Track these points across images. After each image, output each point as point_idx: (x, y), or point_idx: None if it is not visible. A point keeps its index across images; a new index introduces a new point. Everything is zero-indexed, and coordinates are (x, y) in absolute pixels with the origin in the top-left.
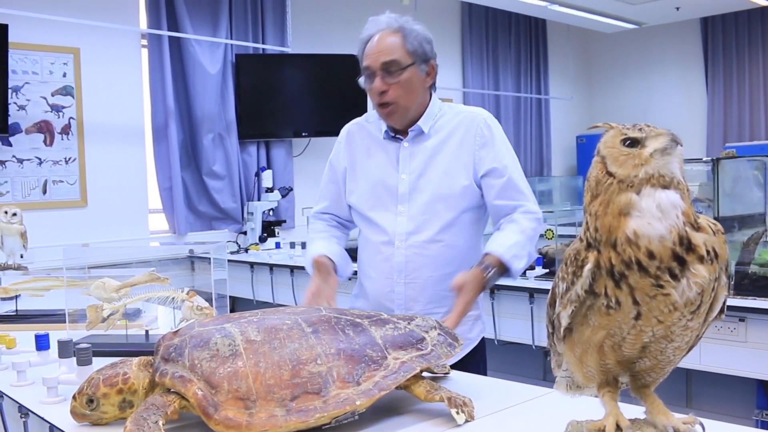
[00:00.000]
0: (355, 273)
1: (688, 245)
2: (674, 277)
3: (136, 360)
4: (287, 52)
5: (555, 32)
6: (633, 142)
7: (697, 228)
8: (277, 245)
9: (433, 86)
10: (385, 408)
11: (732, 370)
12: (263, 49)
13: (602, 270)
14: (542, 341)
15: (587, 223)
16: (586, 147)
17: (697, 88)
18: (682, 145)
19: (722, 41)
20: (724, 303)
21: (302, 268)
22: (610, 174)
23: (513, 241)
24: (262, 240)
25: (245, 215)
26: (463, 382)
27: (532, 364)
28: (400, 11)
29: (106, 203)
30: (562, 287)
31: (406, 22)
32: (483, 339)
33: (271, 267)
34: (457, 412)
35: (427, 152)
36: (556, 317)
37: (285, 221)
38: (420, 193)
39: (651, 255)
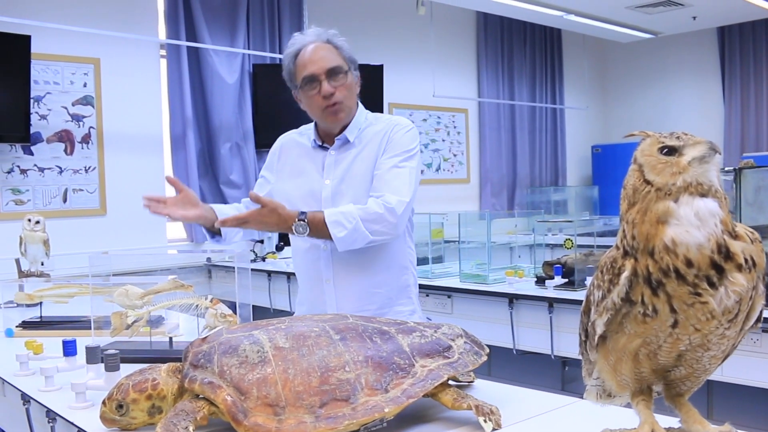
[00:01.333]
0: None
1: (727, 253)
2: (712, 285)
3: (164, 366)
4: None
5: (570, 42)
6: (670, 150)
7: (735, 236)
8: None
9: (358, 96)
10: (413, 416)
11: (754, 382)
12: (280, 59)
13: (639, 278)
14: (561, 351)
15: (624, 231)
16: (601, 157)
17: (714, 97)
18: (720, 154)
19: (739, 50)
20: (761, 312)
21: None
22: (647, 182)
23: (348, 210)
24: (279, 249)
25: None
26: (487, 390)
27: (550, 374)
28: (415, 21)
29: (125, 212)
30: (597, 295)
31: (333, 35)
32: None
33: (289, 276)
34: (485, 420)
35: (349, 159)
36: (591, 325)
37: None
38: (342, 198)
39: (689, 263)
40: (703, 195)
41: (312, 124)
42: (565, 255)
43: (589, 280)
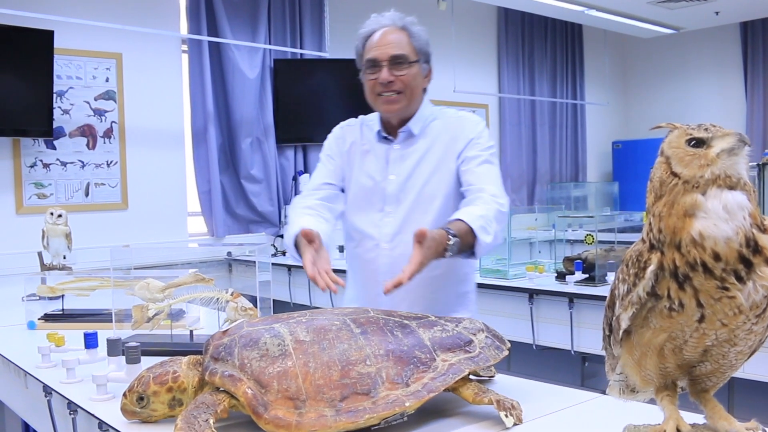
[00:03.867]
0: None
1: (755, 247)
2: (740, 279)
3: (185, 359)
4: (325, 57)
5: (591, 37)
6: (698, 143)
7: (764, 230)
8: None
9: (425, 90)
10: (433, 410)
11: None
12: (301, 54)
13: (666, 271)
14: (581, 347)
15: (650, 224)
16: (621, 153)
17: (736, 93)
18: (750, 146)
19: (762, 46)
20: None
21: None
22: (675, 174)
23: (482, 212)
24: None
25: (282, 218)
26: (507, 385)
27: (570, 370)
28: (436, 17)
29: (147, 206)
30: (622, 289)
31: (410, 22)
32: None
33: None
34: (506, 415)
35: (416, 155)
36: (615, 319)
37: None
38: (407, 195)
39: (717, 257)
40: (731, 188)
41: (375, 114)
42: (586, 250)
43: (609, 276)
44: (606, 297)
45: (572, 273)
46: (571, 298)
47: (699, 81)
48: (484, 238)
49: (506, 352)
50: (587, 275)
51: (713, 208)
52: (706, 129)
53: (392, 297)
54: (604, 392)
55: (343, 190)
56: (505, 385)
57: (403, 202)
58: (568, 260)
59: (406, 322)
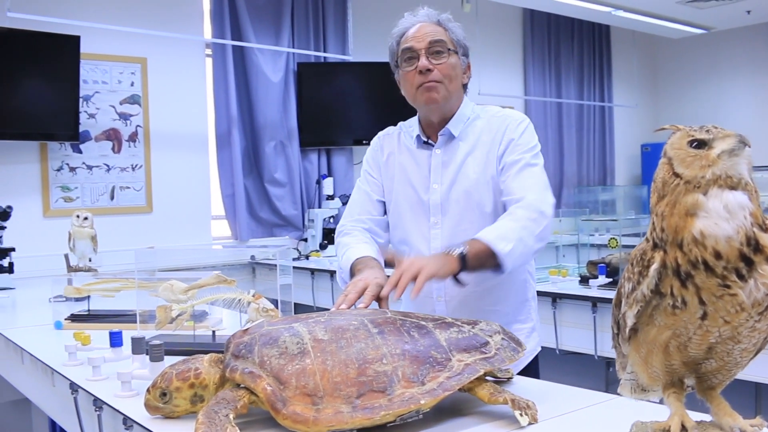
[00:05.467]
0: None
1: (756, 246)
2: (741, 277)
3: (207, 356)
4: (348, 61)
5: (619, 38)
6: (700, 144)
7: (765, 229)
8: None
9: (465, 87)
10: (449, 409)
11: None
12: (324, 58)
13: (668, 270)
14: (605, 351)
15: (653, 223)
16: (650, 156)
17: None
18: (750, 147)
19: None
20: None
21: None
22: (676, 175)
23: (501, 226)
24: (323, 247)
25: (306, 222)
26: (524, 386)
27: (594, 375)
28: (461, 18)
29: (171, 209)
30: (627, 287)
31: (446, 18)
32: (537, 356)
33: (332, 273)
34: (521, 414)
35: (458, 160)
36: (622, 317)
37: None
38: (452, 204)
39: (718, 255)
40: (732, 188)
41: (414, 119)
42: (610, 254)
43: None
44: None
45: (596, 277)
46: (594, 302)
47: (731, 82)
48: (503, 247)
49: (522, 354)
50: (611, 279)
51: (714, 207)
52: (707, 130)
53: (451, 311)
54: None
55: (385, 206)
56: (521, 386)
57: (449, 212)
58: (591, 264)
59: (422, 323)
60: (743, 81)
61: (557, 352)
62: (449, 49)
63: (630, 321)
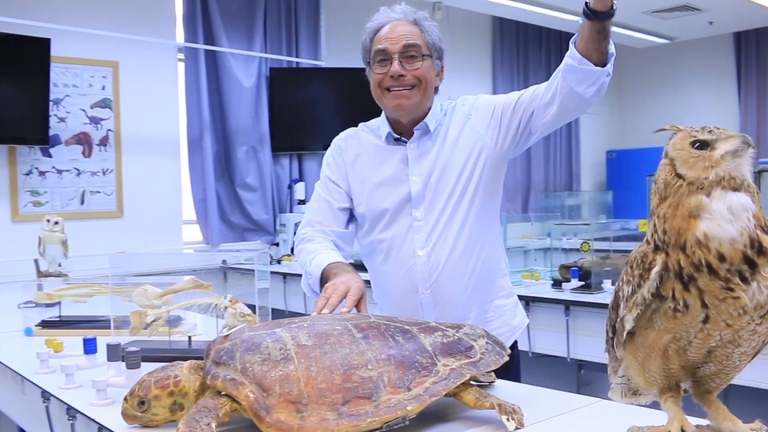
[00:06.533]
0: None
1: (759, 248)
2: (744, 280)
3: (186, 363)
4: (321, 66)
5: None
6: (702, 144)
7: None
8: None
9: (437, 90)
10: (435, 414)
11: (755, 383)
12: (297, 63)
13: (670, 272)
14: (578, 354)
15: (655, 225)
16: (615, 162)
17: (730, 103)
18: (754, 148)
19: (756, 56)
20: None
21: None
22: (679, 176)
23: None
24: (294, 252)
25: (277, 227)
26: (506, 390)
27: (566, 377)
28: None
29: (142, 214)
30: (627, 290)
31: (423, 17)
32: (516, 343)
33: None
34: (508, 419)
35: (435, 150)
36: (620, 321)
37: None
38: (434, 193)
39: (721, 257)
40: (735, 189)
41: (380, 118)
42: (582, 258)
43: (605, 284)
44: (603, 304)
45: (568, 280)
46: (568, 305)
47: (693, 90)
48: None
49: (507, 358)
50: (583, 282)
51: (718, 209)
52: (710, 131)
53: (436, 301)
54: (602, 398)
55: (351, 211)
56: (506, 390)
57: (431, 201)
58: (564, 268)
59: (407, 327)
60: (705, 89)
61: (530, 354)
62: (423, 54)
63: (629, 325)
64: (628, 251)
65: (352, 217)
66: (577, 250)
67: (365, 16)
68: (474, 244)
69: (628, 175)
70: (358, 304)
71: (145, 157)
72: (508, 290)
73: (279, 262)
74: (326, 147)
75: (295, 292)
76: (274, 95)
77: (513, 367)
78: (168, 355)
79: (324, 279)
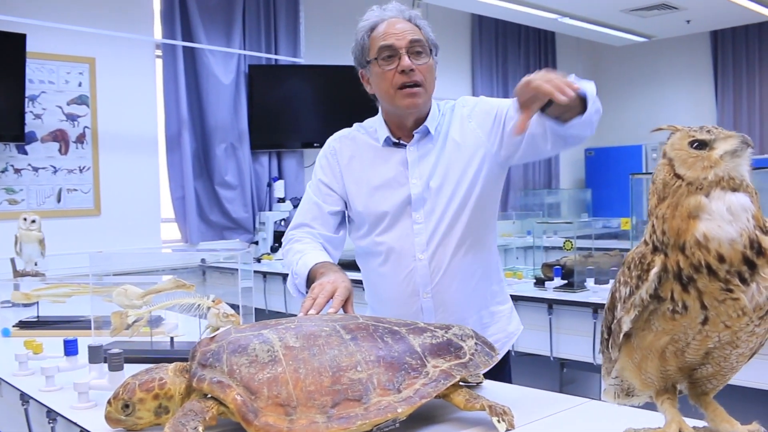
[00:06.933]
0: None
1: (759, 249)
2: (744, 281)
3: (171, 366)
4: (300, 63)
5: (564, 45)
6: (701, 144)
7: (767, 232)
8: None
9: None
10: (425, 416)
11: (750, 383)
12: (276, 60)
13: (669, 274)
14: (561, 353)
15: (653, 226)
16: (594, 160)
17: (707, 101)
18: (753, 147)
19: (732, 54)
20: None
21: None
22: (678, 176)
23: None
24: (274, 250)
25: (257, 225)
26: (495, 390)
27: (549, 376)
28: None
29: (119, 212)
30: (624, 291)
31: (415, 15)
32: (510, 350)
33: (284, 277)
34: (498, 421)
35: (435, 152)
36: (617, 322)
37: None
38: (435, 195)
39: (721, 258)
40: (734, 189)
41: (376, 120)
42: (564, 256)
43: (588, 282)
44: (586, 303)
45: (551, 279)
46: (551, 304)
47: (670, 89)
48: (586, 86)
49: (496, 359)
50: (566, 281)
51: (717, 209)
52: (708, 131)
53: (437, 305)
54: (592, 398)
55: (343, 215)
56: (494, 391)
57: (431, 205)
58: (546, 266)
59: (395, 328)
60: (682, 88)
61: (513, 354)
62: (428, 50)
63: (626, 326)
64: (611, 249)
65: (342, 221)
66: (559, 248)
67: (345, 14)
68: (474, 249)
69: (606, 173)
70: (345, 305)
71: (123, 154)
72: (504, 296)
73: (259, 260)
74: (304, 145)
75: (275, 291)
76: (253, 92)
77: (506, 372)
78: (151, 357)
79: (311, 279)
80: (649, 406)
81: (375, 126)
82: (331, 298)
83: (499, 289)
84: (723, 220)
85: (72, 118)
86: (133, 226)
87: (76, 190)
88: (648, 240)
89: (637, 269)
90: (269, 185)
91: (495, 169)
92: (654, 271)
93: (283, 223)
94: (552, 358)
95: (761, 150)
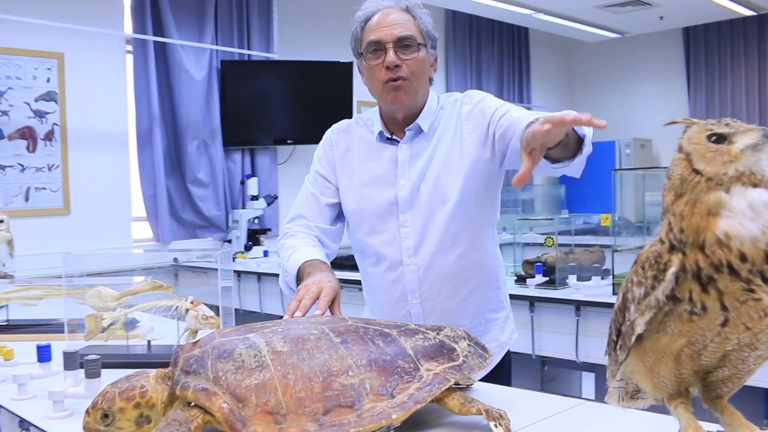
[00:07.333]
0: None
1: None
2: (766, 281)
3: (152, 372)
4: (273, 59)
5: (538, 41)
6: (719, 138)
7: None
8: (265, 254)
9: (431, 81)
10: (418, 421)
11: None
12: (249, 56)
13: (688, 273)
14: (542, 351)
15: (670, 223)
16: None
17: (679, 97)
18: None
19: (704, 51)
20: None
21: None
22: (696, 171)
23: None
24: (248, 248)
25: (230, 223)
26: (489, 393)
27: (530, 374)
28: None
29: (89, 211)
30: (638, 292)
31: (414, 4)
32: (509, 355)
33: (259, 276)
34: (495, 425)
35: (427, 153)
36: (630, 324)
37: (270, 230)
38: (423, 199)
39: (743, 257)
40: (755, 185)
41: (373, 112)
42: (545, 253)
43: (570, 279)
44: (568, 300)
45: (532, 276)
46: (532, 301)
47: (643, 84)
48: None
49: (489, 360)
50: (547, 278)
51: (738, 206)
52: (727, 124)
53: (427, 312)
54: (587, 399)
55: (340, 208)
56: (487, 393)
57: (420, 208)
58: (527, 263)
59: (386, 330)
60: (655, 84)
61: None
62: (419, 44)
63: (639, 328)
64: (590, 245)
65: (340, 213)
66: (538, 244)
67: (319, 8)
68: (468, 256)
69: None
70: (331, 305)
71: (93, 152)
72: (500, 303)
73: (233, 259)
74: (278, 142)
75: (250, 291)
76: (226, 89)
77: (504, 377)
78: (128, 362)
79: (300, 277)
80: (653, 408)
81: (372, 119)
82: (317, 299)
83: (495, 297)
84: (744, 217)
85: (40, 114)
86: (104, 225)
87: (44, 188)
88: (664, 238)
89: (652, 269)
90: (242, 183)
91: (489, 174)
92: (671, 270)
93: (256, 221)
94: (534, 356)
95: None
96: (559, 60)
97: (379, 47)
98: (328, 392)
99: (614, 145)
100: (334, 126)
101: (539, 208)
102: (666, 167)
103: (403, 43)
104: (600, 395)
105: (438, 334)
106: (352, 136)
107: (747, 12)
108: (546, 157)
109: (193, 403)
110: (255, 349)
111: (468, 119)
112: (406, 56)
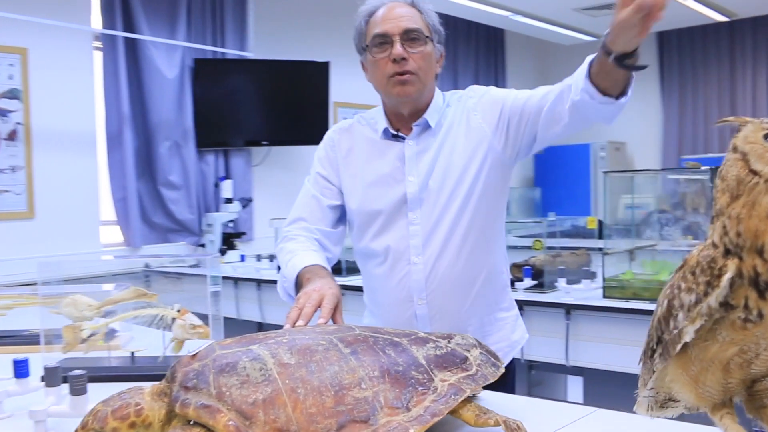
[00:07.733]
0: None
1: None
2: None
3: (147, 388)
4: (248, 57)
5: (513, 43)
6: None
7: None
8: (242, 258)
9: (437, 77)
10: None
11: None
12: (223, 54)
13: (744, 279)
14: (531, 355)
15: (725, 227)
16: (543, 158)
17: (653, 101)
18: None
19: (678, 55)
20: None
21: (272, 281)
22: (754, 172)
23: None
24: (222, 253)
25: (203, 227)
26: (500, 402)
27: (517, 378)
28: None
29: (56, 215)
30: (689, 299)
31: None
32: (513, 359)
33: (236, 281)
34: None
35: (435, 148)
36: (677, 333)
37: (245, 233)
38: (432, 195)
39: None
40: None
41: (377, 111)
42: (533, 256)
43: (559, 282)
44: (557, 303)
45: (521, 280)
46: (521, 305)
47: None
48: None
49: (503, 369)
50: (536, 282)
51: None
52: None
53: (434, 313)
54: (600, 407)
55: (343, 209)
56: (498, 403)
57: (429, 205)
58: (516, 267)
59: (396, 339)
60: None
61: (522, 361)
62: (426, 36)
63: (688, 337)
64: (577, 248)
65: (342, 216)
66: (523, 247)
67: (297, 5)
68: (477, 253)
69: (554, 171)
70: (333, 313)
71: (59, 153)
72: (510, 302)
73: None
74: (251, 143)
75: (227, 296)
76: (199, 88)
77: (509, 383)
78: (113, 375)
79: (299, 283)
80: (683, 417)
81: (376, 117)
82: (319, 307)
83: (504, 295)
84: None
85: (2, 113)
86: (71, 229)
87: (7, 191)
88: (718, 242)
89: (705, 274)
90: (216, 185)
91: (500, 167)
92: (727, 276)
93: (231, 224)
94: (523, 361)
95: (704, 149)
96: (534, 63)
97: (385, 40)
98: (341, 407)
99: (589, 147)
100: (335, 126)
101: (515, 210)
102: (647, 170)
103: (410, 36)
104: (588, 399)
105: (449, 342)
106: (355, 136)
107: (721, 18)
108: (595, 86)
109: (193, 422)
110: (260, 361)
111: (476, 110)
112: (413, 49)
